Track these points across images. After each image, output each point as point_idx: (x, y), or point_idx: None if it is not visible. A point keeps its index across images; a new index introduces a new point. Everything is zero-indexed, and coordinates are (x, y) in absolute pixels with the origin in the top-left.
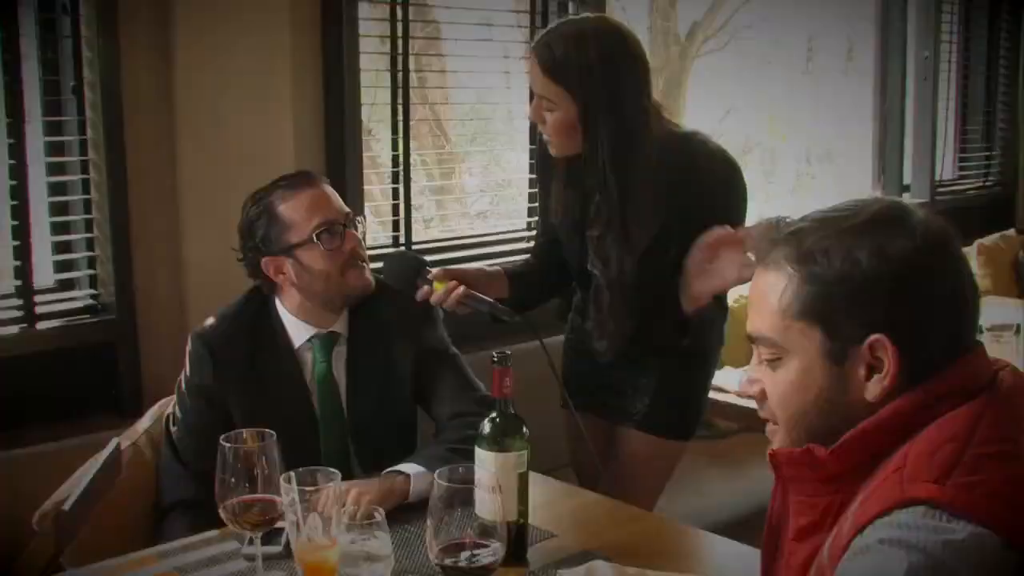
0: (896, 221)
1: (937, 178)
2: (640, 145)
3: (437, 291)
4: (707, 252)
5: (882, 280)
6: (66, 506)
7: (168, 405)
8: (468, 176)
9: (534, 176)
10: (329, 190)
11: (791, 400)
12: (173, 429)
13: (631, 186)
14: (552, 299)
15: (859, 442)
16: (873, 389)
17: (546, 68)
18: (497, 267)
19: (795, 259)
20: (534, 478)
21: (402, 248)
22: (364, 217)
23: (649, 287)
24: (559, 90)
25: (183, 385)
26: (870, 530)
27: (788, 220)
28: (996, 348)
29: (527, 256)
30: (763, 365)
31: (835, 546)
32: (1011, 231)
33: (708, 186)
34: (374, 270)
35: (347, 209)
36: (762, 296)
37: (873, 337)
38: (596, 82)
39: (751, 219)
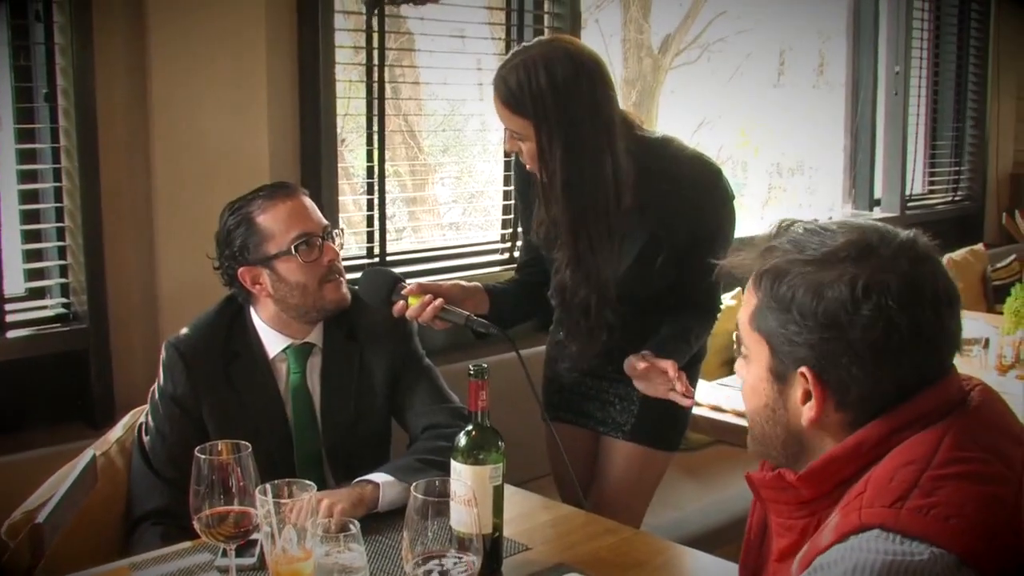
0: (850, 261)
1: (907, 192)
2: (602, 162)
3: (412, 306)
4: (636, 372)
5: (813, 318)
6: (41, 518)
7: (140, 414)
8: (441, 186)
9: (509, 188)
10: (308, 202)
11: (748, 400)
12: (146, 438)
13: (602, 200)
14: (533, 318)
15: (825, 469)
16: (805, 415)
17: (505, 101)
18: (476, 283)
19: (762, 273)
20: (510, 491)
21: (375, 261)
22: (342, 230)
23: (633, 299)
24: (522, 121)
25: (156, 394)
26: (827, 553)
27: (796, 225)
28: (964, 362)
29: (512, 275)
30: (741, 359)
31: (801, 564)
32: (979, 245)
33: (691, 193)
34: (350, 282)
35: (325, 222)
36: (746, 296)
37: (801, 368)
38: (549, 106)
39: None
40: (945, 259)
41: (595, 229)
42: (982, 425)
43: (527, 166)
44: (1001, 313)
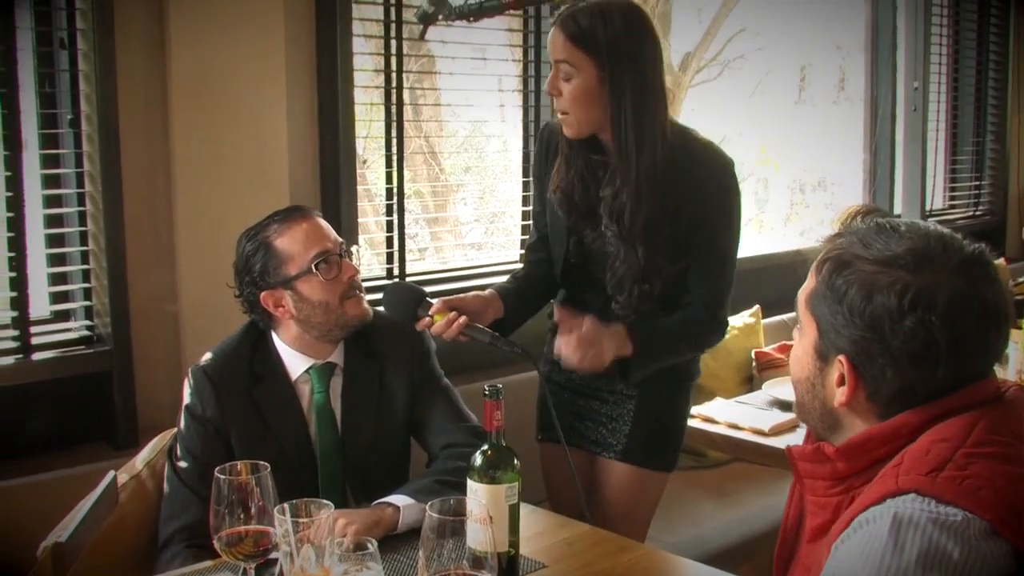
0: (907, 270)
1: (928, 207)
2: (659, 118)
3: (438, 322)
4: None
5: (860, 317)
6: (62, 538)
7: (168, 437)
8: (463, 205)
9: (528, 208)
10: (323, 222)
11: (795, 369)
12: (178, 461)
13: (647, 156)
14: (545, 304)
15: (864, 445)
16: (838, 397)
17: (571, 35)
18: (490, 289)
19: (825, 260)
20: (527, 509)
21: (398, 279)
22: (358, 247)
23: (633, 292)
24: (583, 56)
25: (186, 417)
26: (864, 514)
27: (871, 217)
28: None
29: (519, 267)
30: (796, 329)
31: (835, 532)
32: (1001, 260)
33: (699, 175)
34: (371, 301)
35: (341, 240)
36: (809, 276)
37: (840, 356)
38: (621, 51)
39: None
40: None
41: (648, 173)
42: (1015, 416)
43: (561, 111)
44: (1021, 328)
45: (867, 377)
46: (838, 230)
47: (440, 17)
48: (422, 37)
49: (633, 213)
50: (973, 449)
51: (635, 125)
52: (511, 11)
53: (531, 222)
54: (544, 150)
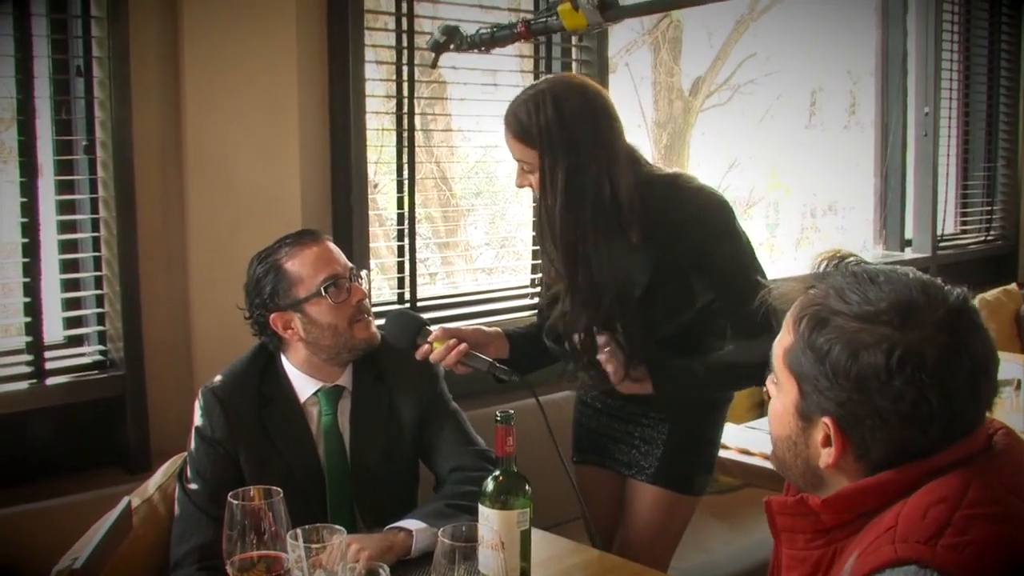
0: (891, 327)
1: (939, 233)
2: (601, 192)
3: (437, 350)
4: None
5: (845, 378)
6: (77, 564)
7: (179, 462)
8: (474, 229)
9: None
10: (333, 246)
11: (775, 425)
12: (188, 483)
13: (593, 238)
14: (555, 362)
15: (852, 498)
16: (823, 459)
17: (515, 134)
18: (496, 328)
19: (802, 316)
20: (538, 535)
21: (405, 306)
22: (368, 271)
23: (651, 333)
24: (530, 152)
25: (196, 438)
26: None
27: (845, 264)
28: (995, 404)
29: (532, 312)
30: (771, 382)
31: None
32: (1013, 285)
33: (701, 224)
34: (379, 326)
35: (350, 264)
36: (784, 329)
37: (825, 418)
38: (554, 135)
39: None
40: (977, 299)
41: (594, 256)
42: (1007, 468)
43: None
44: None
45: (855, 439)
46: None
47: (452, 47)
48: (434, 66)
49: (586, 326)
50: (970, 511)
51: (565, 215)
52: (523, 40)
53: (541, 280)
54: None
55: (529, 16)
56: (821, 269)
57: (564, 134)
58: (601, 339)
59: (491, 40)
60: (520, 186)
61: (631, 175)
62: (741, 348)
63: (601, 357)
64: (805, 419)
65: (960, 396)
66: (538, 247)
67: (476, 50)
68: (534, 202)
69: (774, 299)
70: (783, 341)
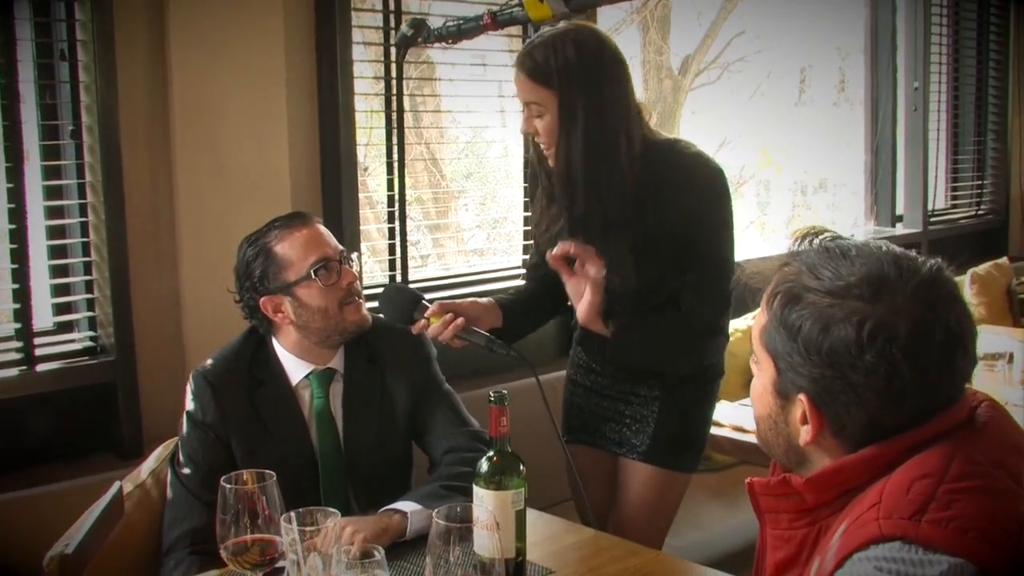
0: (862, 300)
1: (930, 208)
2: (619, 143)
3: (434, 325)
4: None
5: (817, 354)
6: (69, 549)
7: (171, 447)
8: (464, 211)
9: (528, 214)
10: (323, 229)
11: (756, 405)
12: (180, 467)
13: (612, 186)
14: (546, 323)
15: (834, 477)
16: (803, 436)
17: (529, 73)
18: (489, 298)
19: (775, 293)
20: (533, 515)
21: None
22: (359, 254)
23: (632, 298)
24: (545, 92)
25: (187, 422)
26: (849, 564)
27: (818, 240)
28: (989, 376)
29: (521, 282)
30: (754, 363)
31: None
32: (1004, 259)
33: (697, 190)
34: (370, 309)
35: (341, 247)
36: (761, 309)
37: (801, 395)
38: (575, 80)
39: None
40: (969, 273)
41: (604, 204)
42: (990, 441)
43: (542, 147)
44: None
45: (831, 415)
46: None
47: (420, 40)
48: (401, 60)
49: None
50: (954, 484)
51: (585, 151)
52: (489, 31)
53: (532, 241)
54: (535, 174)
55: (495, 7)
56: (796, 246)
57: (585, 77)
58: (594, 260)
59: (458, 33)
60: (525, 132)
61: (640, 131)
62: (700, 321)
63: (572, 285)
64: (783, 397)
65: (935, 369)
66: (528, 228)
67: (444, 43)
68: (532, 150)
69: (748, 277)
70: (759, 321)
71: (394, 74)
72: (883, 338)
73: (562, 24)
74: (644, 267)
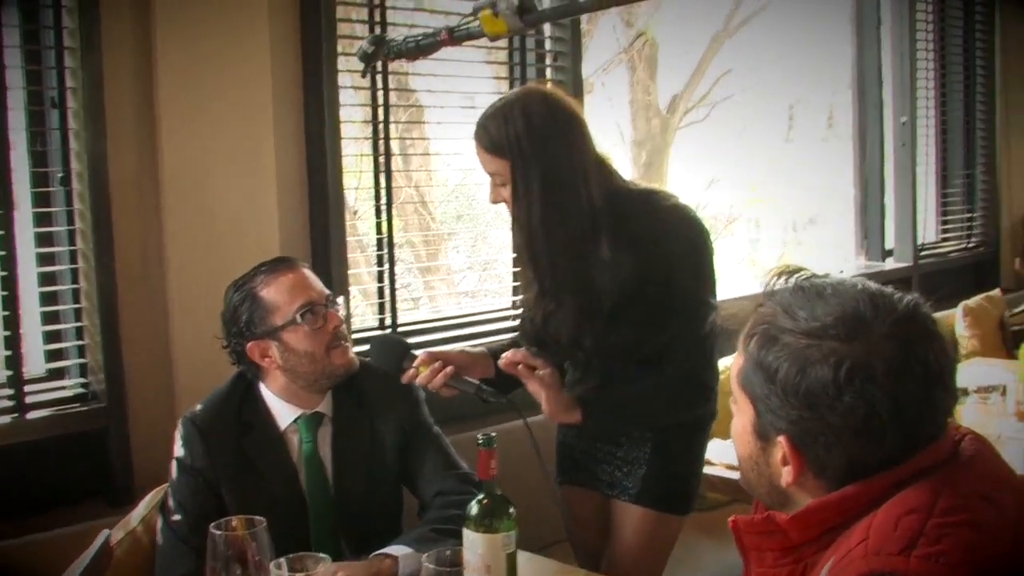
0: (838, 340)
1: (920, 241)
2: (579, 202)
3: (423, 373)
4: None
5: (795, 395)
6: None
7: (161, 493)
8: (456, 253)
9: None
10: (309, 273)
11: (737, 446)
12: (170, 514)
13: (567, 247)
14: None
15: (818, 513)
16: (784, 477)
17: (485, 146)
18: (481, 347)
19: (751, 335)
20: (525, 556)
21: (388, 331)
22: (346, 297)
23: (618, 352)
24: (501, 163)
25: (176, 468)
26: None
27: (793, 279)
28: (983, 408)
29: (514, 334)
30: (733, 404)
31: None
32: (996, 291)
33: (676, 245)
34: (359, 352)
35: (327, 291)
36: (738, 351)
37: (780, 436)
38: (525, 146)
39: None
40: (961, 306)
41: (571, 266)
42: (976, 474)
43: (513, 216)
44: (1019, 358)
45: (811, 456)
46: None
47: (381, 56)
48: (364, 75)
49: (575, 329)
50: (943, 519)
51: (543, 223)
52: (447, 46)
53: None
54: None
55: (452, 24)
56: (771, 285)
57: (535, 144)
58: (539, 363)
59: (417, 49)
60: (494, 201)
61: (604, 185)
62: (679, 375)
63: (531, 387)
64: (763, 438)
65: (914, 407)
66: (518, 268)
67: (405, 60)
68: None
69: (724, 319)
70: (737, 363)
71: (381, 116)
72: (861, 378)
73: (513, 91)
74: (621, 325)
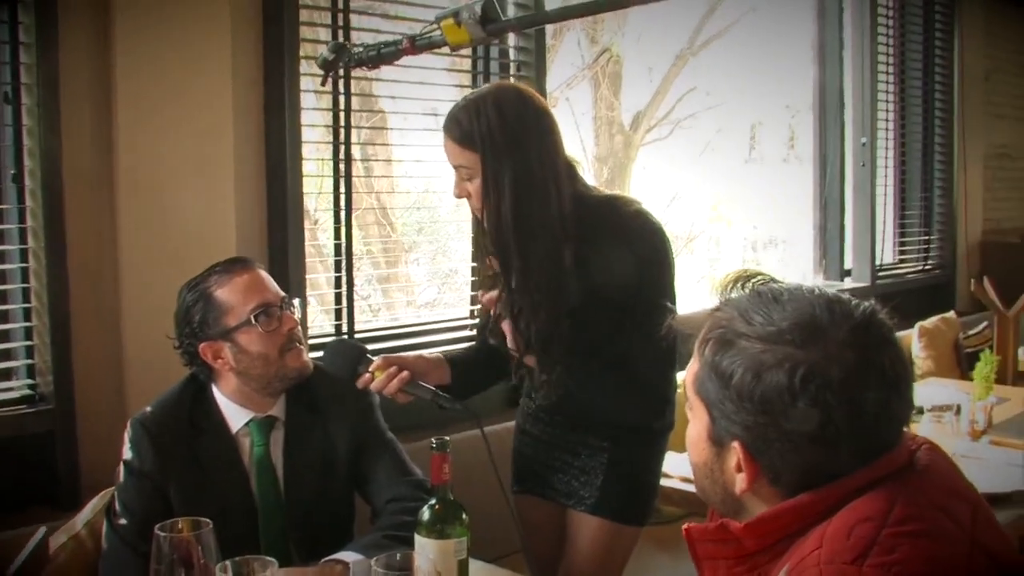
0: (794, 345)
1: (878, 263)
2: (548, 199)
3: (378, 379)
4: None
5: (750, 401)
6: None
7: (107, 497)
8: (416, 265)
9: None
10: (264, 274)
11: (691, 452)
12: (116, 518)
13: (539, 244)
14: (497, 383)
15: (772, 522)
16: (738, 484)
17: (455, 138)
18: (438, 353)
19: (706, 336)
20: (476, 565)
21: (343, 336)
22: (302, 301)
23: (578, 358)
24: (471, 155)
25: (124, 471)
26: None
27: (750, 283)
28: (936, 428)
29: (471, 343)
30: (688, 410)
31: None
32: (951, 313)
33: (638, 248)
34: (314, 358)
35: (282, 293)
36: (694, 356)
37: (735, 443)
38: (497, 140)
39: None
40: (917, 327)
41: (542, 264)
42: (931, 484)
43: (474, 209)
44: (973, 379)
45: (765, 463)
46: (718, 299)
47: (341, 64)
48: (323, 84)
49: (536, 328)
50: (897, 528)
51: (516, 217)
52: (409, 54)
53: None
54: (478, 232)
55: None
56: (727, 291)
57: (507, 137)
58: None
59: (378, 57)
60: (458, 196)
61: (570, 187)
62: (639, 375)
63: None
64: (717, 445)
65: (870, 414)
66: (476, 278)
67: (365, 68)
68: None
69: (679, 324)
70: (692, 368)
71: (342, 122)
72: (816, 384)
73: (485, 86)
74: (583, 326)
